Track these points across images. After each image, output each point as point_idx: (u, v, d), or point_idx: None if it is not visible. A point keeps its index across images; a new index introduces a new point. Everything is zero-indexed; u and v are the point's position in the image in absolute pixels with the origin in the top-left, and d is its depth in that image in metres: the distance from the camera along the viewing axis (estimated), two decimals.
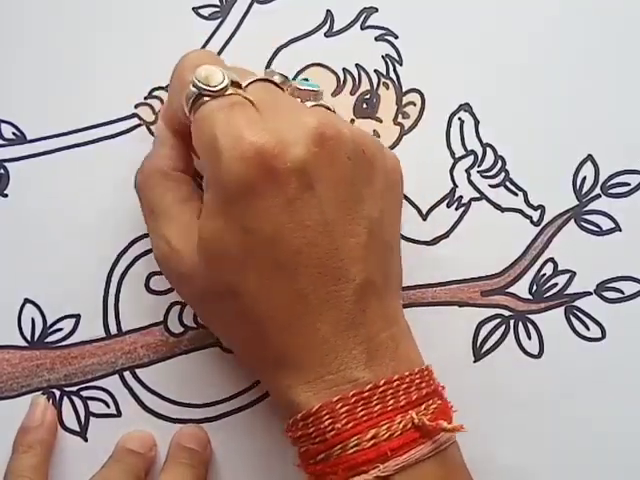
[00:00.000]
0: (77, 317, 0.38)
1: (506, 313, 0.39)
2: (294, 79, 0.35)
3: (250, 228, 0.30)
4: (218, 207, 0.30)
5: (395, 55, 0.40)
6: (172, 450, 0.37)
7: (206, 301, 0.33)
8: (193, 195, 0.34)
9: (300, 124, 0.30)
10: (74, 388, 0.38)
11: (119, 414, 0.38)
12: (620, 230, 0.40)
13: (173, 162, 0.34)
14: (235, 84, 0.31)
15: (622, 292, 0.39)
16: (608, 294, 0.39)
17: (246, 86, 0.32)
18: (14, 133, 0.39)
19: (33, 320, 0.38)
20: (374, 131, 0.39)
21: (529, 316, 0.39)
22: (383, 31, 0.40)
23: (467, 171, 0.39)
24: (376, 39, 0.40)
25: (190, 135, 0.33)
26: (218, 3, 0.40)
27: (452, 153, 0.40)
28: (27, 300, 0.38)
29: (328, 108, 0.34)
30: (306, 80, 0.35)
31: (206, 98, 0.31)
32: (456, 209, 0.39)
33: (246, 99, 0.31)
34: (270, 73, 0.34)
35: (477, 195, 0.39)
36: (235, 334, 0.33)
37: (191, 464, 0.36)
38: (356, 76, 0.39)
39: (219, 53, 0.39)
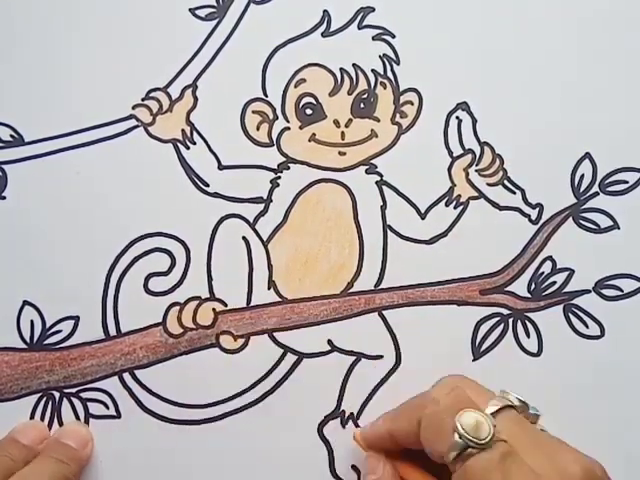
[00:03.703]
0: (76, 319, 0.38)
1: (505, 312, 0.39)
2: None
3: None
4: None
5: (392, 54, 0.40)
6: (47, 444, 0.37)
7: None
8: None
9: (568, 474, 0.30)
10: (73, 390, 0.38)
11: (119, 415, 0.38)
12: (618, 228, 0.40)
13: None
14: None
15: (621, 290, 0.39)
16: (607, 292, 0.39)
17: (492, 414, 0.32)
18: (12, 135, 0.39)
19: (32, 322, 0.38)
20: (372, 130, 0.39)
21: (528, 314, 0.39)
22: (380, 31, 0.40)
23: (465, 170, 0.39)
24: (373, 39, 0.40)
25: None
26: (215, 4, 0.40)
27: (450, 152, 0.40)
28: (26, 302, 0.38)
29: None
30: (529, 406, 0.34)
31: (473, 450, 0.30)
32: (454, 208, 0.39)
33: (505, 442, 0.31)
34: (503, 394, 0.33)
35: (475, 194, 0.39)
36: None
37: (60, 460, 0.36)
38: (353, 76, 0.39)
39: (216, 54, 0.39)
